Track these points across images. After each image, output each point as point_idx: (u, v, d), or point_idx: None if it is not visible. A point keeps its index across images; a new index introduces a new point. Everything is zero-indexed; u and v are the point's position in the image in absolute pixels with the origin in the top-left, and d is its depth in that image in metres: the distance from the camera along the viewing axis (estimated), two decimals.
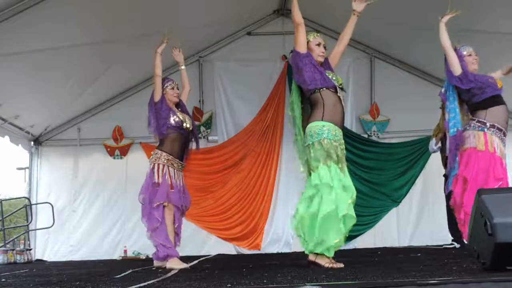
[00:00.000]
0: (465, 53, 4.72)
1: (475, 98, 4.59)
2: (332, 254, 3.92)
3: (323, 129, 4.01)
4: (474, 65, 4.72)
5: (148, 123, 5.04)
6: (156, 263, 4.90)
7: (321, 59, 4.29)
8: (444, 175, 6.84)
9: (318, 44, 4.29)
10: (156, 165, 4.85)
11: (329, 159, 3.96)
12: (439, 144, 6.64)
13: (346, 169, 4.10)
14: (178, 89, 5.16)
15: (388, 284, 2.48)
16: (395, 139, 8.54)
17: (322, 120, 4.05)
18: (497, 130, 4.51)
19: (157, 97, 4.97)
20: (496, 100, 4.57)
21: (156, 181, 4.82)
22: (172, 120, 4.94)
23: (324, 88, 4.11)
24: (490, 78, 4.68)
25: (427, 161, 8.31)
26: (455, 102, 4.71)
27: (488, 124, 4.51)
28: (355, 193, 4.04)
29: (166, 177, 4.84)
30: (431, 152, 7.03)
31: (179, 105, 5.21)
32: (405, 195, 8.36)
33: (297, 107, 4.33)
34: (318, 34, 4.40)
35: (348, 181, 4.02)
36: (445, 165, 6.74)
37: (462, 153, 4.62)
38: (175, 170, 4.94)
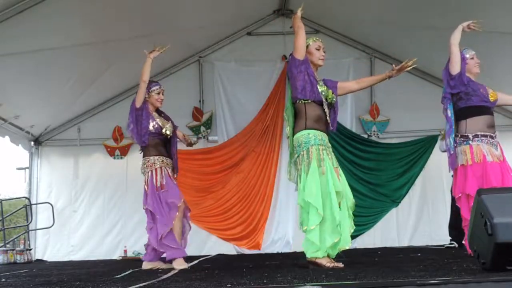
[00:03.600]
0: (468, 56, 4.71)
1: (460, 103, 4.58)
2: (334, 253, 3.93)
3: (309, 137, 4.03)
4: (476, 68, 4.71)
5: (127, 126, 5.00)
6: (145, 265, 4.87)
7: (321, 63, 4.26)
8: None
9: (318, 48, 4.26)
10: (153, 171, 4.85)
11: (315, 167, 3.93)
12: None
13: (335, 174, 4.03)
14: (163, 95, 5.08)
15: (388, 284, 2.48)
16: (395, 139, 8.54)
17: (305, 128, 4.06)
18: (482, 137, 4.50)
19: (139, 103, 4.90)
20: (479, 110, 4.54)
21: (157, 186, 4.82)
22: (151, 126, 4.90)
23: (310, 101, 4.10)
24: (483, 88, 4.65)
25: (427, 161, 8.32)
26: (452, 106, 4.69)
27: (470, 136, 4.51)
28: (350, 198, 4.04)
29: (170, 178, 4.87)
30: (442, 151, 7.03)
31: (160, 111, 5.14)
32: (405, 195, 8.36)
33: (291, 113, 4.30)
34: (318, 38, 4.37)
35: (337, 186, 3.96)
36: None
37: (457, 170, 4.60)
38: (169, 169, 4.96)
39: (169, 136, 5.02)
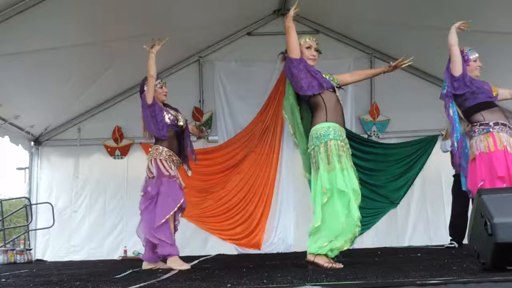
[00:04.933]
0: (471, 57, 4.70)
1: (467, 102, 4.57)
2: (333, 255, 3.92)
3: (329, 130, 3.98)
4: (477, 71, 4.70)
5: (144, 127, 4.93)
6: (145, 265, 4.85)
7: (311, 63, 4.20)
8: (454, 175, 6.85)
9: (309, 47, 4.21)
10: (158, 160, 4.79)
11: (335, 162, 3.91)
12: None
13: (352, 170, 4.01)
14: (166, 87, 5.06)
15: (388, 284, 2.48)
16: (395, 139, 8.55)
17: (326, 121, 4.01)
18: (502, 126, 4.47)
19: (150, 99, 4.84)
20: (488, 105, 4.55)
21: (166, 173, 4.75)
22: (167, 119, 4.89)
23: (323, 91, 4.08)
24: (486, 84, 4.66)
25: (426, 162, 8.33)
26: (455, 105, 4.69)
27: (491, 123, 4.47)
28: (360, 195, 4.03)
29: (170, 171, 4.80)
30: (444, 151, 7.03)
31: (166, 104, 5.12)
32: (403, 196, 8.37)
33: (297, 111, 4.26)
34: (311, 37, 4.30)
35: (354, 183, 3.96)
36: (453, 165, 6.75)
37: (474, 161, 4.53)
38: (175, 167, 4.89)
39: (183, 127, 5.02)
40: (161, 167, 4.79)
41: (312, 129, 4.06)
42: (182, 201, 4.81)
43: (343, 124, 4.12)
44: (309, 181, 4.15)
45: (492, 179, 4.37)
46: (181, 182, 4.94)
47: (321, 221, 3.86)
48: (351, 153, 4.11)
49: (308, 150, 4.09)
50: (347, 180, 3.90)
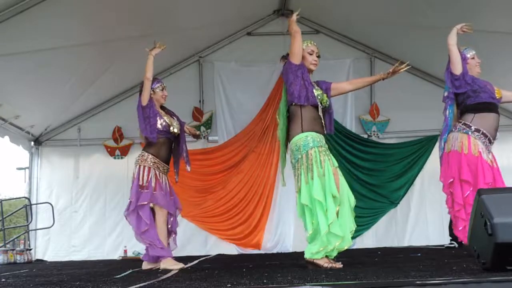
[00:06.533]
0: (468, 55, 4.71)
1: (469, 100, 4.58)
2: (333, 255, 3.92)
3: (307, 140, 3.98)
4: (477, 68, 4.72)
5: (139, 128, 4.92)
6: (145, 265, 4.84)
7: (313, 68, 4.22)
8: None
9: (311, 53, 4.20)
10: (142, 167, 4.80)
11: (314, 170, 3.91)
12: None
13: (338, 173, 4.01)
14: (166, 90, 5.04)
15: (388, 284, 2.48)
16: (394, 139, 8.55)
17: (302, 131, 4.02)
18: (481, 135, 4.48)
19: (145, 101, 4.84)
20: (488, 107, 4.56)
21: (143, 184, 4.76)
22: (159, 124, 4.85)
23: (306, 104, 4.06)
24: (489, 84, 4.66)
25: (425, 162, 8.33)
26: (453, 107, 4.70)
27: (473, 128, 4.50)
28: (352, 199, 4.01)
29: (152, 179, 4.79)
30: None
31: (164, 107, 5.10)
32: (403, 196, 8.38)
33: (283, 118, 4.27)
34: (312, 42, 4.30)
35: (333, 188, 3.90)
36: None
37: (448, 155, 4.60)
38: (161, 173, 4.88)
39: (176, 134, 4.99)
40: (141, 176, 4.78)
41: (291, 142, 4.08)
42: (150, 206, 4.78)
43: (322, 133, 4.11)
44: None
45: (459, 180, 4.45)
46: (165, 187, 4.91)
47: (312, 230, 3.89)
48: (331, 156, 4.07)
49: (292, 164, 4.11)
50: (327, 185, 3.88)
